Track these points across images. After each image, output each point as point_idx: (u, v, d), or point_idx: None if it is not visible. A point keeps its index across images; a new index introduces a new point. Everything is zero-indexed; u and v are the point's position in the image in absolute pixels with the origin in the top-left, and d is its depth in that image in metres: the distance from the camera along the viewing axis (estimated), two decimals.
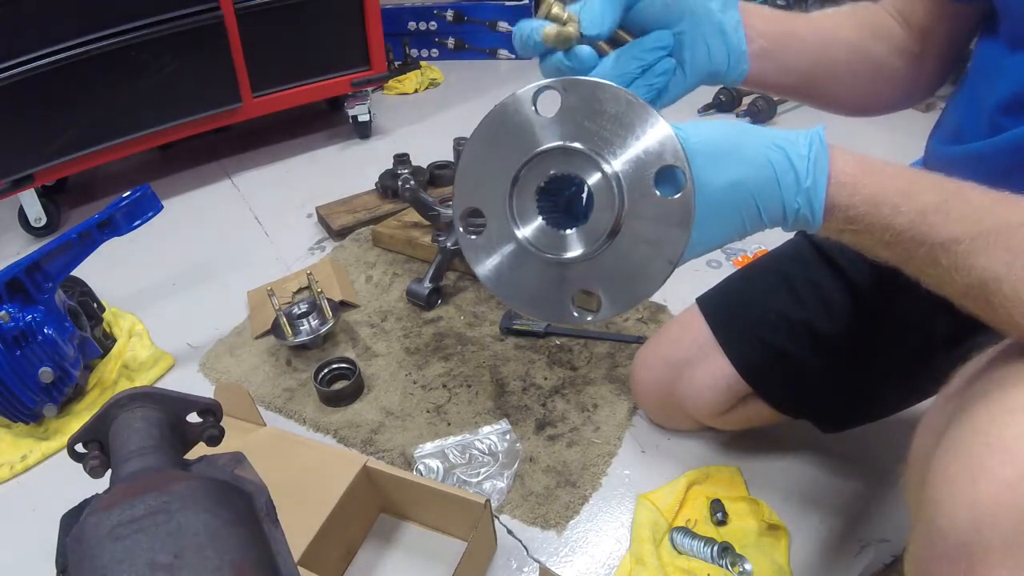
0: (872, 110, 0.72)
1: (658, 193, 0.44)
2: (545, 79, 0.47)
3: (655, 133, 0.44)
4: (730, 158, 0.46)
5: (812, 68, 0.65)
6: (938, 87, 0.72)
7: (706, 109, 1.99)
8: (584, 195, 0.47)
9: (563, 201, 0.50)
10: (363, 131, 1.95)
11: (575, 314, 0.49)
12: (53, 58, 1.39)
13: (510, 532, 0.86)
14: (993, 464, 0.40)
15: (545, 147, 0.46)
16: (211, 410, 0.52)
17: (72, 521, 0.42)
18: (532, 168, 0.46)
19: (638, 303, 0.55)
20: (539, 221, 0.47)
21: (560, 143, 0.45)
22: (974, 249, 0.44)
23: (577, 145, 0.45)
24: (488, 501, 0.79)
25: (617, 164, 0.45)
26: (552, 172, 0.46)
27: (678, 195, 0.44)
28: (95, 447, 0.49)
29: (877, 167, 0.47)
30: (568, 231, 0.47)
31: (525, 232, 0.48)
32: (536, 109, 0.47)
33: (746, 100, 1.96)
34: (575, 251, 0.47)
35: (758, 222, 0.48)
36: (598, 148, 0.45)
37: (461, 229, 0.50)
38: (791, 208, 0.47)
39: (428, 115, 2.12)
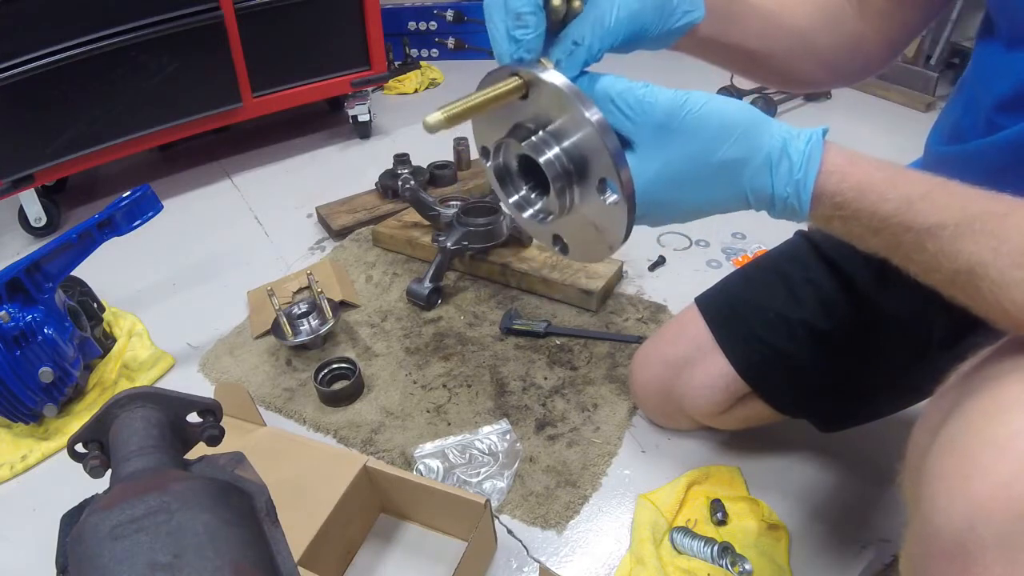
0: (800, 88, 0.72)
1: (600, 196, 0.49)
2: (528, 69, 0.49)
3: (600, 147, 0.47)
4: (735, 136, 0.48)
5: (739, 55, 0.65)
6: (872, 73, 0.73)
7: None
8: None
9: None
10: (363, 131, 1.95)
11: (555, 248, 0.57)
12: (53, 58, 1.39)
13: (510, 532, 0.86)
14: (988, 461, 0.40)
15: (520, 147, 0.51)
16: (211, 410, 0.52)
17: (72, 521, 0.42)
18: (508, 143, 0.52)
19: (596, 262, 0.61)
20: (519, 180, 0.55)
21: (523, 143, 0.50)
22: (960, 235, 0.44)
23: (537, 155, 0.50)
24: (488, 501, 0.79)
25: (568, 161, 0.50)
26: (522, 154, 0.52)
27: (617, 201, 0.48)
28: (95, 447, 0.49)
29: (865, 159, 0.48)
30: (534, 195, 0.55)
31: (510, 186, 0.56)
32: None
33: (746, 100, 1.96)
34: (531, 213, 0.55)
35: (743, 202, 0.51)
36: (558, 145, 0.49)
37: (480, 156, 0.58)
38: (780, 196, 0.49)
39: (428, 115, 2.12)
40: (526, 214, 0.55)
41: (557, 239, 0.57)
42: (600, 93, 0.49)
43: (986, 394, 0.44)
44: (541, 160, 0.49)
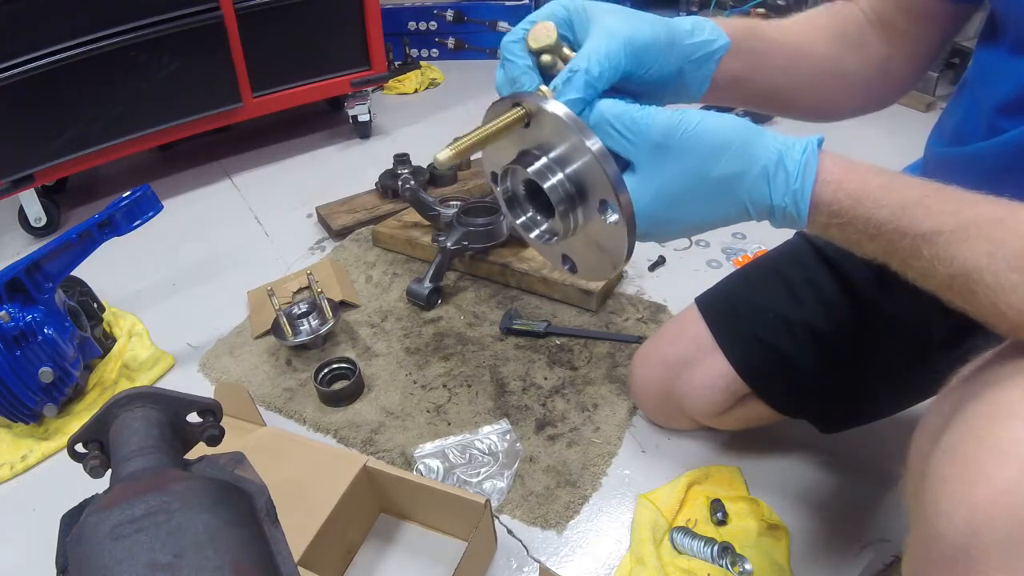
0: (835, 117, 0.73)
1: (602, 217, 0.50)
2: (530, 99, 0.50)
3: (599, 173, 0.49)
4: (732, 152, 0.49)
5: (771, 93, 0.66)
6: (904, 92, 0.73)
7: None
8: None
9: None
10: (363, 131, 1.95)
11: (564, 267, 0.59)
12: (53, 58, 1.39)
13: (510, 532, 0.86)
14: (990, 467, 0.40)
15: (525, 173, 0.52)
16: (211, 410, 0.52)
17: (72, 521, 0.42)
18: (514, 169, 0.54)
19: (602, 280, 0.62)
20: (526, 203, 0.57)
21: (528, 169, 0.52)
22: (955, 240, 0.45)
23: (542, 180, 0.51)
24: (488, 501, 0.79)
25: (570, 186, 0.51)
26: (528, 179, 0.53)
27: (617, 221, 0.49)
28: (95, 447, 0.49)
29: (861, 167, 0.49)
30: (540, 217, 0.56)
31: (518, 209, 0.58)
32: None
33: None
34: (537, 233, 0.57)
35: (744, 214, 0.51)
36: (561, 171, 0.51)
37: (490, 182, 0.60)
38: (779, 206, 0.49)
39: (428, 115, 2.12)
40: (533, 234, 0.57)
41: (566, 259, 0.59)
42: (598, 116, 0.50)
43: (987, 399, 0.44)
44: (545, 185, 0.51)
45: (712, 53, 0.58)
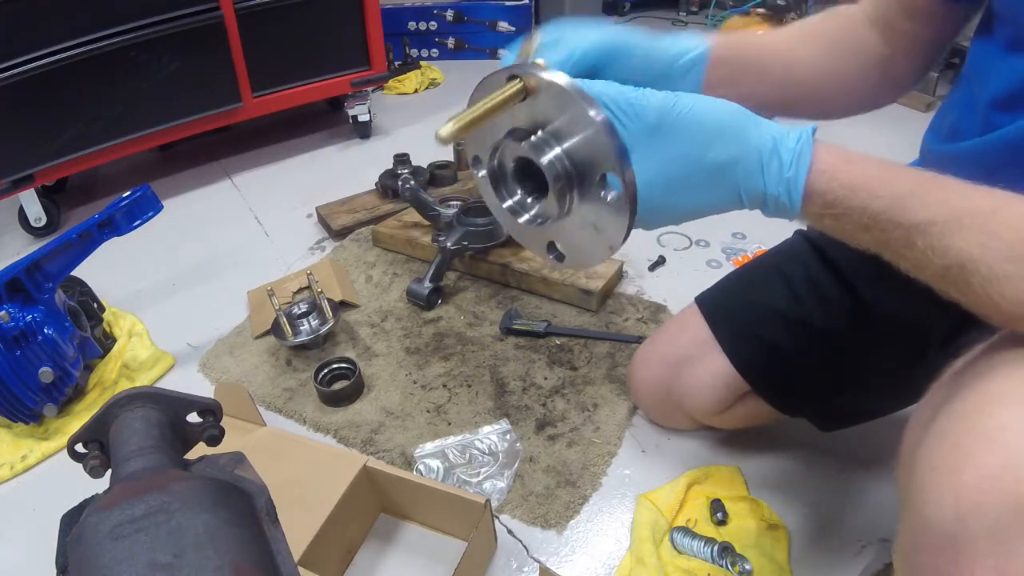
0: (836, 116, 0.74)
1: (601, 192, 0.48)
2: (528, 71, 0.49)
3: (604, 144, 0.47)
4: (727, 138, 0.48)
5: (768, 98, 0.67)
6: (906, 91, 0.73)
7: None
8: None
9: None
10: (363, 131, 1.95)
11: (550, 256, 0.56)
12: (53, 58, 1.39)
13: (510, 532, 0.86)
14: (977, 454, 0.40)
15: (519, 148, 0.50)
16: (211, 410, 0.52)
17: (72, 521, 0.42)
18: (506, 145, 0.52)
19: (592, 266, 0.65)
20: (514, 184, 0.54)
21: (522, 144, 0.49)
22: (949, 231, 0.45)
23: (538, 155, 0.49)
24: (488, 501, 0.79)
25: (568, 162, 0.49)
26: (520, 156, 0.51)
27: (617, 197, 0.48)
28: (95, 447, 0.49)
29: (856, 157, 0.49)
30: (530, 199, 0.54)
31: (504, 192, 0.55)
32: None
33: None
34: (527, 218, 0.54)
35: (737, 202, 0.51)
36: (558, 145, 0.49)
37: (471, 167, 0.57)
38: (771, 195, 0.49)
39: (428, 115, 2.12)
40: (522, 219, 0.54)
41: (552, 247, 0.56)
42: (593, 96, 0.49)
43: (976, 389, 0.45)
44: (543, 160, 0.49)
45: (693, 60, 0.59)
